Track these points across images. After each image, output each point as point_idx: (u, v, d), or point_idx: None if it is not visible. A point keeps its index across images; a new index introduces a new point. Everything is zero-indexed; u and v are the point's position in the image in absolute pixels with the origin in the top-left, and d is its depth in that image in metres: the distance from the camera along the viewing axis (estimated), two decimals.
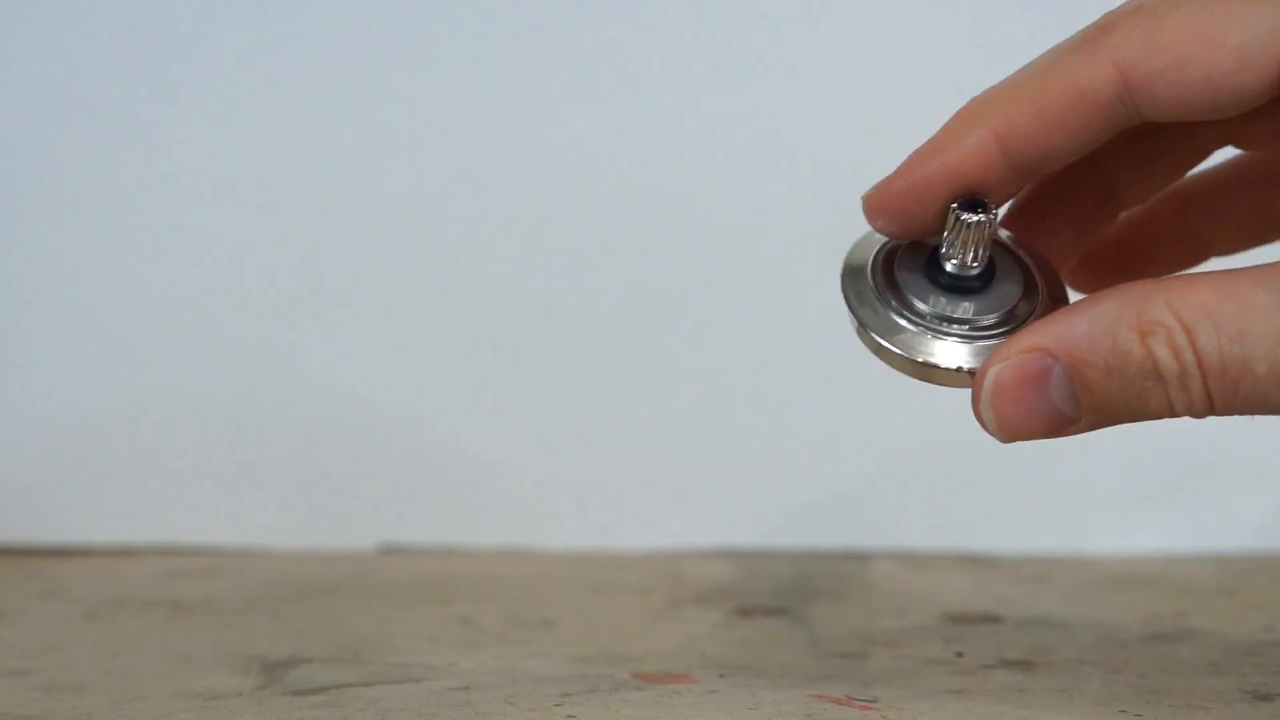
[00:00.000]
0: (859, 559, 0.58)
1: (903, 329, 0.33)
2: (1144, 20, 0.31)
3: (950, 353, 0.33)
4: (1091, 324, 0.30)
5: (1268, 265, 0.30)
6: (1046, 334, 0.31)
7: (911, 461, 0.60)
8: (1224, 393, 0.30)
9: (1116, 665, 0.39)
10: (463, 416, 0.60)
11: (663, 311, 0.60)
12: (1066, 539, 0.59)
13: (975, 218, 0.32)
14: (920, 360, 0.33)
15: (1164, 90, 0.31)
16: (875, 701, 0.35)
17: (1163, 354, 0.30)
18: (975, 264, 0.32)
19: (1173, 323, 0.30)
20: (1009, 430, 0.32)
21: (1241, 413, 0.30)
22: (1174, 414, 0.30)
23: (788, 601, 0.49)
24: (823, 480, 0.60)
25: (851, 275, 0.34)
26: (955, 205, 0.32)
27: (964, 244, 0.32)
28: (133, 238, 0.60)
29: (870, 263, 0.34)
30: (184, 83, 0.59)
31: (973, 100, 0.33)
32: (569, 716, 0.34)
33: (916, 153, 0.33)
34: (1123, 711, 0.34)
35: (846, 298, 0.34)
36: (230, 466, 0.60)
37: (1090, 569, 0.56)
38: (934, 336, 0.33)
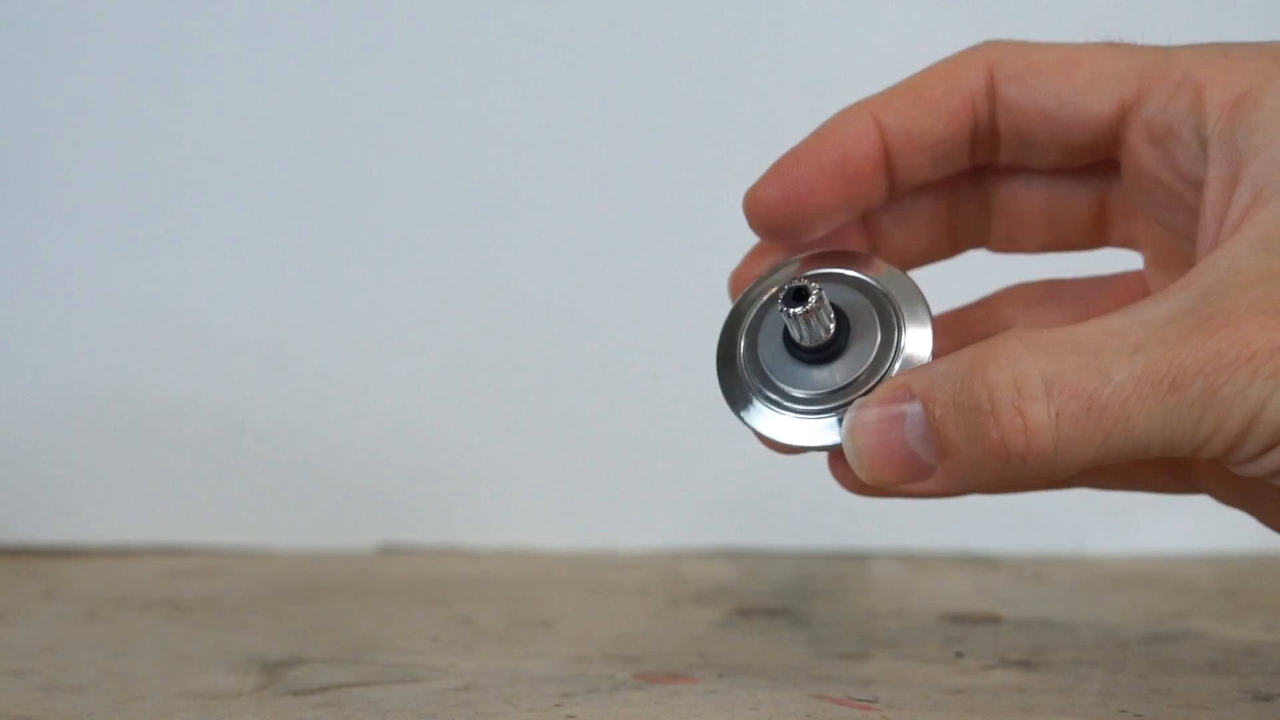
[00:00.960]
0: (859, 559, 0.58)
1: (778, 418, 0.34)
2: (1020, 43, 0.34)
3: (823, 433, 0.33)
4: (949, 364, 0.30)
5: (1124, 307, 0.30)
6: (913, 375, 0.31)
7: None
8: (1079, 412, 0.29)
9: (1116, 665, 0.39)
10: (463, 417, 0.60)
11: (662, 312, 0.60)
12: (1066, 539, 0.59)
13: (798, 309, 0.32)
14: (801, 446, 0.34)
15: (1021, 92, 0.34)
16: (875, 701, 0.35)
17: (1000, 385, 0.29)
18: (822, 336, 0.33)
19: (1020, 350, 0.29)
20: (868, 467, 0.31)
21: (1088, 450, 0.29)
22: (1007, 454, 0.29)
23: (788, 601, 0.49)
24: (823, 480, 0.60)
25: (725, 366, 0.36)
26: (780, 297, 0.33)
27: (802, 326, 0.33)
28: (133, 238, 0.60)
29: (740, 348, 0.35)
30: (185, 83, 0.59)
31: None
32: (569, 716, 0.34)
33: (798, 147, 0.35)
34: (1123, 711, 0.34)
35: (725, 397, 0.36)
36: (230, 467, 0.60)
37: (1090, 569, 0.56)
38: (808, 418, 0.34)
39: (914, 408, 0.30)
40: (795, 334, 0.33)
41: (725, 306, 0.59)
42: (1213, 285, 0.29)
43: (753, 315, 0.35)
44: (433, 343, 0.60)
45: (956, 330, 0.38)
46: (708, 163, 0.59)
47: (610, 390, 0.60)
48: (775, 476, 0.60)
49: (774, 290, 0.34)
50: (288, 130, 0.59)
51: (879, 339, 0.33)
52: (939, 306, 0.37)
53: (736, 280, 0.37)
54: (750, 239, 0.60)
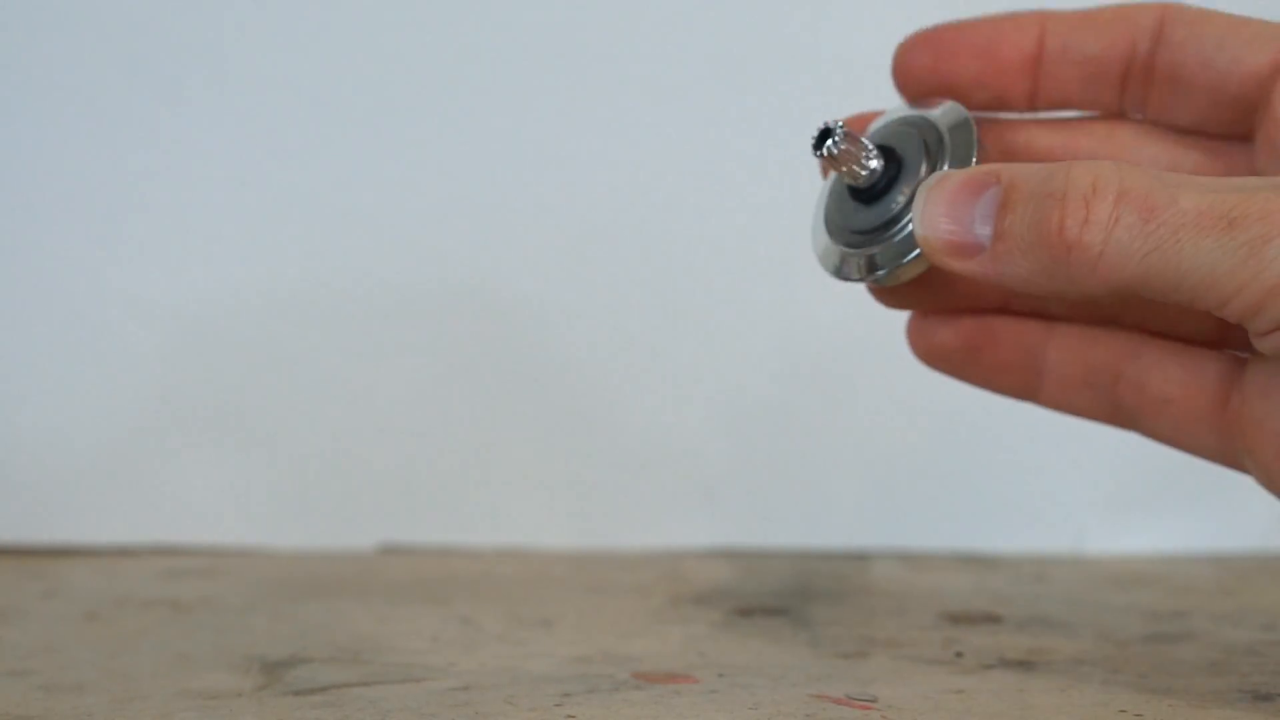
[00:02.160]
0: (859, 559, 0.58)
1: (854, 259, 0.36)
2: (1200, 7, 0.35)
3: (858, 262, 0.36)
4: (1041, 164, 0.32)
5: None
6: (1005, 165, 0.32)
7: (911, 461, 0.60)
8: (1136, 222, 0.30)
9: (1116, 665, 0.39)
10: (463, 417, 0.60)
11: (662, 312, 0.60)
12: (1066, 539, 0.59)
13: (824, 150, 0.35)
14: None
15: (1187, 35, 0.34)
16: (875, 701, 0.35)
17: (1081, 178, 0.30)
18: (866, 175, 0.35)
19: (1109, 166, 0.30)
20: (927, 222, 0.32)
21: (1127, 267, 0.30)
22: (1061, 243, 0.30)
23: (788, 601, 0.49)
24: (823, 480, 0.60)
25: (815, 231, 0.38)
26: (811, 143, 0.35)
27: (841, 166, 0.35)
28: (133, 238, 0.60)
29: (824, 214, 0.37)
30: (185, 83, 0.59)
31: None
32: (569, 716, 0.34)
33: (962, 21, 0.36)
34: (1122, 711, 0.34)
35: (816, 251, 0.38)
36: (230, 467, 0.60)
37: (1090, 569, 0.56)
38: (872, 246, 0.36)
39: (995, 188, 0.32)
40: (840, 175, 0.36)
41: (728, 309, 0.60)
42: None
43: (831, 179, 0.38)
44: (433, 342, 0.60)
45: None
46: (708, 162, 0.59)
47: (610, 390, 0.60)
48: (775, 476, 0.61)
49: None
50: (287, 129, 0.59)
51: (924, 169, 0.35)
52: None
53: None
54: (736, 242, 0.60)
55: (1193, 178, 0.30)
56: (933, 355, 0.37)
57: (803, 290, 0.59)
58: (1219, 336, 0.37)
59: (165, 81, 0.59)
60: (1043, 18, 0.36)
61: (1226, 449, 0.36)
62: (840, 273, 0.36)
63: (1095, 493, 0.59)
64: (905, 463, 0.60)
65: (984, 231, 0.31)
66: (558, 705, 0.35)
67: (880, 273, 0.35)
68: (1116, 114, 0.37)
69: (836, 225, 0.37)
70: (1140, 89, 0.36)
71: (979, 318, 0.37)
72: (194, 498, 0.60)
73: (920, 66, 0.36)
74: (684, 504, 0.60)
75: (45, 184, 0.60)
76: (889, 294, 0.37)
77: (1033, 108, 0.37)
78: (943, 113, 0.36)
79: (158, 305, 0.60)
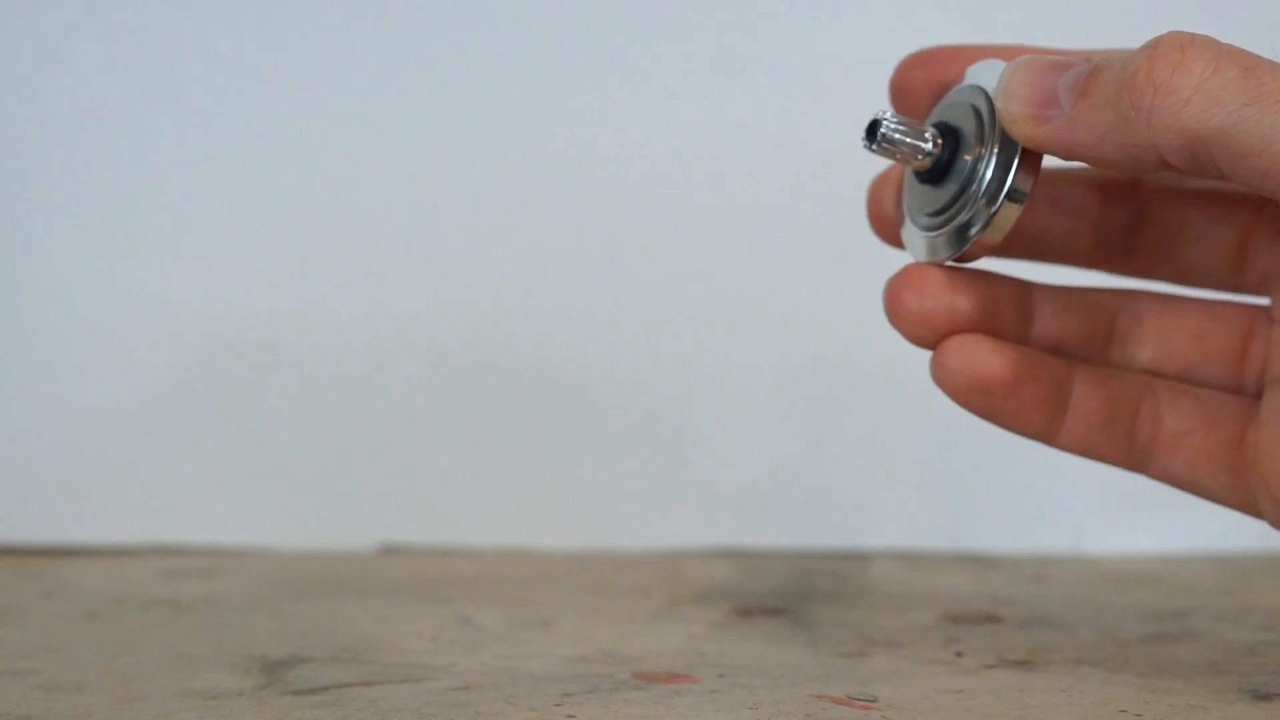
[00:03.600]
0: (859, 559, 0.58)
1: (921, 240, 0.36)
2: None
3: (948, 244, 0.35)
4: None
5: None
6: (1100, 51, 0.32)
7: (911, 461, 0.60)
8: (1239, 76, 0.29)
9: (1116, 665, 0.39)
10: (463, 417, 0.60)
11: (662, 311, 0.60)
12: (1066, 539, 0.59)
13: (871, 142, 0.35)
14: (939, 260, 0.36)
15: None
16: (875, 701, 0.35)
17: (1173, 37, 0.30)
18: (926, 157, 0.35)
19: (1210, 37, 0.30)
20: (1007, 90, 0.32)
21: (1223, 116, 0.29)
22: (1146, 91, 0.30)
23: (788, 601, 0.49)
24: (823, 480, 0.60)
25: (907, 231, 0.37)
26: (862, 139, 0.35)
27: (898, 154, 0.35)
28: (133, 238, 0.60)
29: (906, 211, 0.37)
30: (185, 82, 0.59)
31: None
32: (569, 716, 0.34)
33: (965, 47, 0.37)
34: (1122, 711, 0.34)
35: (910, 250, 0.37)
36: (230, 467, 0.60)
37: (1090, 569, 0.56)
38: (935, 233, 0.35)
39: (1081, 66, 0.32)
40: (900, 161, 0.35)
41: (728, 309, 0.60)
42: None
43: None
44: (433, 342, 0.60)
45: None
46: (708, 162, 0.59)
47: (610, 390, 0.60)
48: (775, 476, 0.61)
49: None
50: (287, 129, 0.59)
51: (974, 140, 0.35)
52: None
53: (876, 188, 0.39)
54: (736, 242, 0.60)
55: None
56: (975, 390, 0.35)
57: (803, 289, 0.59)
58: (1237, 382, 0.37)
59: (165, 81, 0.59)
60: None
61: (1239, 487, 0.36)
62: (937, 254, 0.36)
63: (1095, 493, 0.59)
64: (905, 463, 0.60)
65: (1066, 97, 0.31)
66: (558, 705, 0.35)
67: (973, 230, 0.34)
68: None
69: (917, 215, 0.36)
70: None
71: (1017, 346, 0.36)
72: (194, 498, 0.60)
73: (918, 85, 0.36)
74: (684, 504, 0.60)
75: (45, 184, 0.60)
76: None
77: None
78: (985, 75, 0.35)
79: (158, 305, 0.60)
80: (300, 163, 0.59)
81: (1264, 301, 0.37)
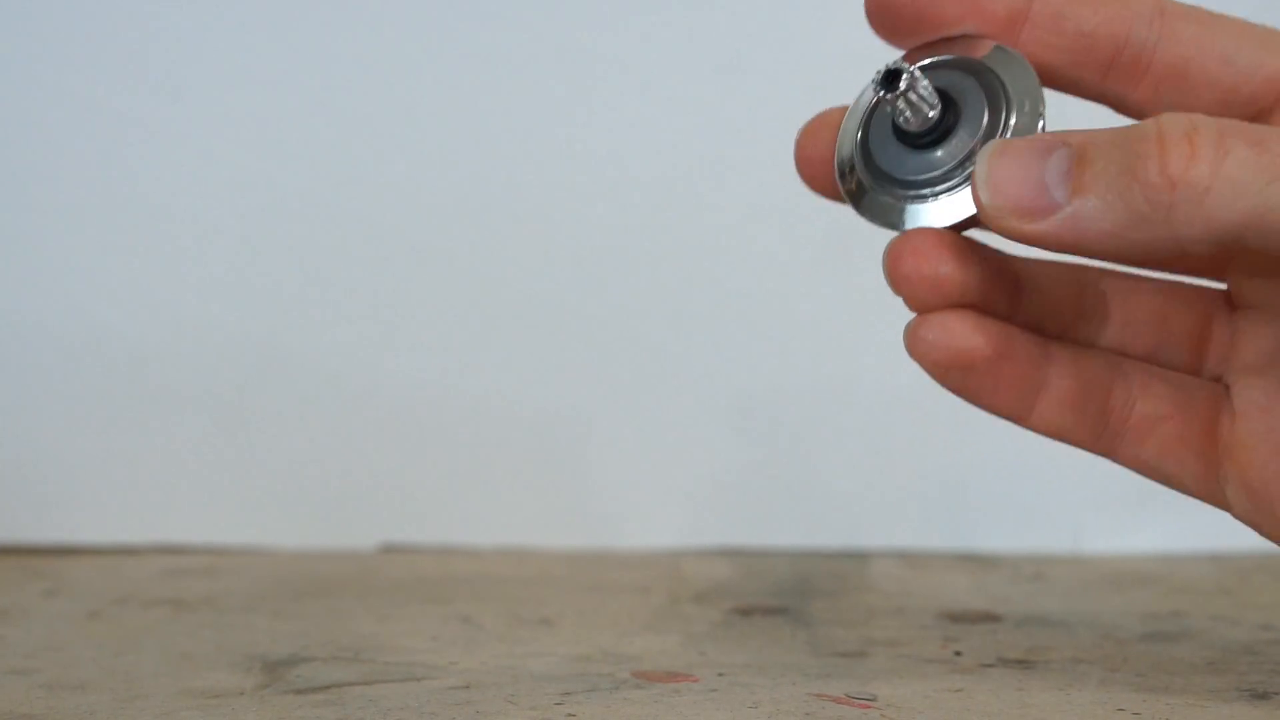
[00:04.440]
0: (859, 558, 0.58)
1: (901, 210, 0.34)
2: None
3: (940, 213, 0.33)
4: (1114, 127, 0.30)
5: None
6: (1070, 131, 0.31)
7: (911, 461, 0.60)
8: (1251, 153, 0.28)
9: (1114, 664, 0.39)
10: (463, 417, 0.60)
11: (662, 311, 0.60)
12: (1065, 538, 0.59)
13: (895, 91, 0.33)
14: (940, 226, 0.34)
15: (1199, 31, 0.33)
16: (874, 700, 0.35)
17: (1174, 123, 0.29)
18: (926, 118, 0.33)
19: (1199, 115, 0.29)
20: (994, 186, 0.31)
21: (1239, 200, 0.28)
22: (1163, 182, 0.29)
23: (787, 600, 0.49)
24: (823, 480, 0.61)
25: (844, 175, 0.35)
26: (875, 82, 0.33)
27: (902, 109, 0.33)
28: (132, 238, 0.60)
29: (855, 150, 0.35)
30: (185, 82, 0.60)
31: None
32: (569, 715, 0.34)
33: None
34: (1121, 710, 0.34)
35: (851, 201, 0.35)
36: (232, 466, 0.60)
37: (1088, 568, 0.56)
38: (924, 201, 0.34)
39: (1064, 149, 0.30)
40: (899, 119, 0.33)
41: (728, 309, 0.60)
42: None
43: (860, 117, 0.35)
44: (433, 342, 0.60)
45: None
46: (708, 162, 0.60)
47: (610, 390, 0.60)
48: (775, 476, 0.61)
49: (872, 81, 0.34)
50: (287, 128, 0.60)
51: (986, 118, 0.33)
52: None
53: (810, 126, 0.37)
54: (735, 241, 0.60)
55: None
56: (952, 364, 0.34)
57: (803, 289, 0.59)
58: (1197, 365, 0.37)
59: (165, 81, 0.59)
60: None
61: (1207, 477, 0.35)
62: (923, 221, 0.34)
63: (1093, 492, 0.59)
64: (905, 463, 0.60)
65: (1059, 190, 0.30)
66: (558, 704, 0.35)
67: (891, 227, 0.34)
68: (1094, 96, 0.35)
69: (869, 156, 0.34)
70: (1127, 76, 0.34)
71: (1000, 323, 0.34)
72: (195, 497, 0.60)
73: (901, 4, 0.34)
74: (684, 504, 0.60)
75: (45, 184, 0.60)
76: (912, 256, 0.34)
77: None
78: (999, 61, 0.34)
79: (158, 305, 0.60)
80: (301, 163, 0.59)
81: (1220, 286, 0.37)
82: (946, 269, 0.33)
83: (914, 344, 0.34)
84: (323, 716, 0.34)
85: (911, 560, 0.58)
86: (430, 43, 0.59)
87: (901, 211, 0.34)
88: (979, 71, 0.34)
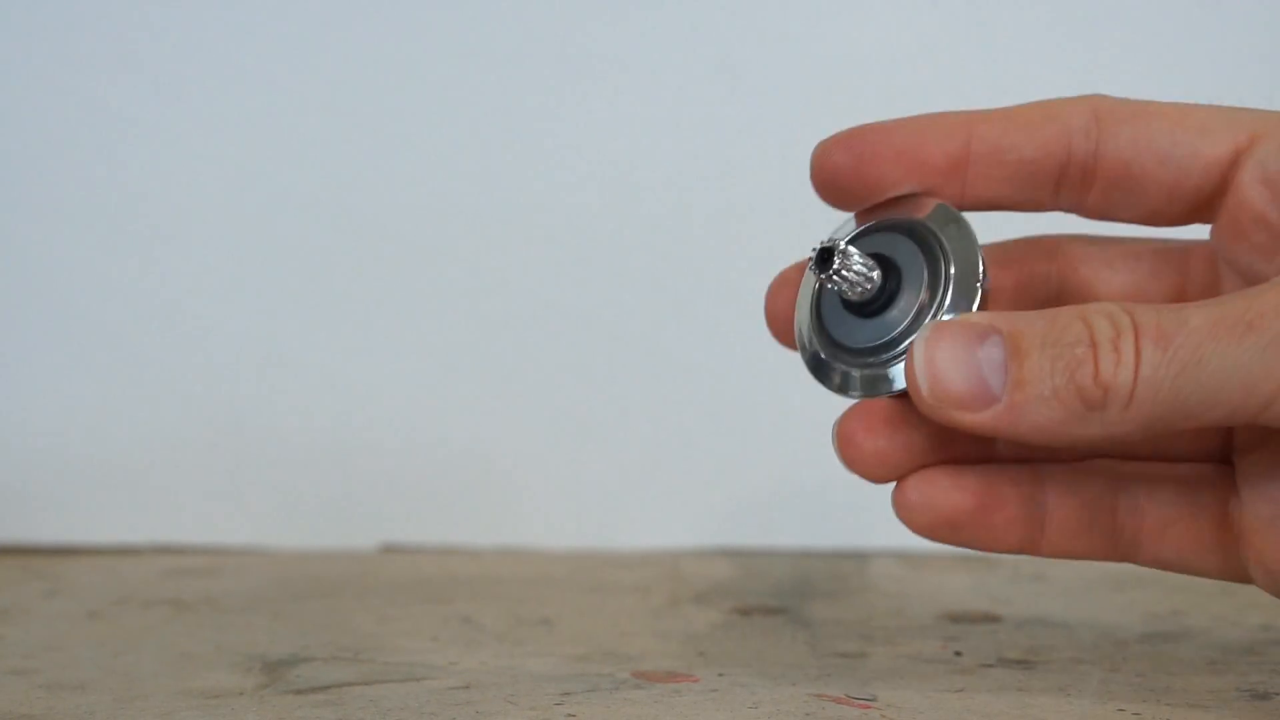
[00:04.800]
0: (859, 559, 0.58)
1: (847, 377, 0.35)
2: (1124, 98, 0.34)
3: (881, 382, 0.34)
4: (1037, 313, 0.31)
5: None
6: (994, 316, 0.31)
7: None
8: (1155, 354, 0.29)
9: (1115, 664, 0.39)
10: (462, 416, 0.60)
11: (663, 312, 0.60)
12: None
13: (825, 272, 0.33)
14: (872, 396, 0.34)
15: (1134, 132, 0.34)
16: (874, 700, 0.35)
17: (1100, 323, 0.30)
18: (867, 288, 0.34)
19: (1115, 306, 0.30)
20: (931, 377, 0.31)
21: (1161, 397, 0.29)
22: (1096, 390, 0.30)
23: (787, 601, 0.49)
24: (823, 480, 0.60)
25: (803, 347, 0.36)
26: (810, 261, 0.33)
27: (843, 282, 0.34)
28: (133, 239, 0.60)
29: (810, 322, 0.36)
30: (184, 83, 0.60)
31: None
32: (569, 715, 0.34)
33: (880, 121, 0.35)
34: (1121, 710, 0.34)
35: (809, 368, 0.36)
36: (232, 467, 0.60)
37: (1088, 568, 0.56)
38: (867, 369, 0.34)
39: (994, 338, 0.31)
40: (839, 292, 0.34)
41: (728, 309, 0.60)
42: None
43: (811, 289, 0.36)
44: (433, 342, 0.60)
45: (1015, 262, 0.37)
46: (709, 164, 0.60)
47: (610, 390, 0.60)
48: (775, 476, 0.61)
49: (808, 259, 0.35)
50: (287, 129, 0.60)
51: (926, 275, 0.34)
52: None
53: (774, 287, 0.38)
54: (736, 243, 0.60)
55: (1194, 302, 0.30)
56: (939, 525, 0.34)
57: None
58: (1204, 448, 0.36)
59: (165, 81, 0.59)
60: (969, 118, 0.34)
61: (1230, 565, 0.35)
62: (839, 388, 0.35)
63: None
64: None
65: (996, 381, 0.31)
66: (558, 704, 0.35)
67: (867, 396, 0.34)
68: (1052, 209, 0.36)
69: (829, 337, 0.35)
70: (1077, 189, 0.35)
71: (979, 471, 0.35)
72: (195, 497, 0.60)
73: (842, 168, 0.35)
74: (684, 504, 0.60)
75: (45, 184, 0.60)
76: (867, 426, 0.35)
77: (960, 209, 0.35)
78: (938, 218, 0.34)
79: (158, 305, 0.60)
80: (301, 163, 0.59)
81: None
82: (883, 443, 0.34)
83: (900, 510, 0.35)
84: (323, 716, 0.34)
85: (911, 560, 0.58)
86: (431, 45, 0.59)
87: (858, 381, 0.34)
88: (914, 231, 0.34)
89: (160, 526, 0.60)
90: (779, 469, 0.60)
